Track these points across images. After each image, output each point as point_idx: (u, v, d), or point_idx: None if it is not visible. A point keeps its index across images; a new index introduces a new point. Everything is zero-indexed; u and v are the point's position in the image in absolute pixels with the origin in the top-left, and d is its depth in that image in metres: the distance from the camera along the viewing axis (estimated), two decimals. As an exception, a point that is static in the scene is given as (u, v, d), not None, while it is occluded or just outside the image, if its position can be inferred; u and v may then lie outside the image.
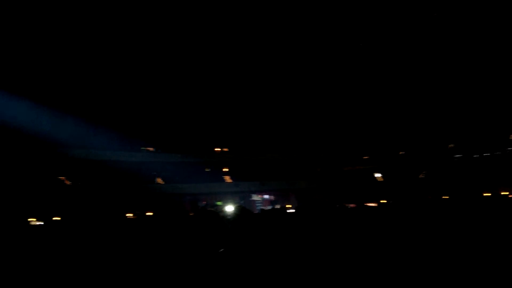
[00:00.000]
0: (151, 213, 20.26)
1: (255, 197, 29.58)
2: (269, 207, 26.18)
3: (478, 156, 27.71)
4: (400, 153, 29.69)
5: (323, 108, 28.24)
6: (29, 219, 17.60)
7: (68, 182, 23.36)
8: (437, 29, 23.98)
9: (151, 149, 27.34)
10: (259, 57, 25.79)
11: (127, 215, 19.60)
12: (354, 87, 27.65)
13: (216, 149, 28.89)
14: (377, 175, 29.23)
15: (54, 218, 17.29)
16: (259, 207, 27.75)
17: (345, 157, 29.01)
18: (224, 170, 28.64)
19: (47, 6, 20.40)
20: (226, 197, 27.36)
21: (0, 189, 19.13)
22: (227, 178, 28.32)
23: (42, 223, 15.78)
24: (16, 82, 21.48)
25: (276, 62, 26.13)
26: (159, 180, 26.34)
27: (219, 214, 4.25)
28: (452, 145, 29.02)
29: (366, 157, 29.62)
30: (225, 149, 29.04)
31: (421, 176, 28.34)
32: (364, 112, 28.23)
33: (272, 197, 29.59)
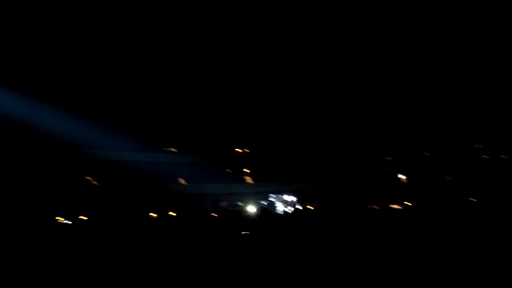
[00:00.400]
0: (173, 213, 20.64)
1: (276, 198, 29.53)
2: (291, 208, 26.12)
3: (506, 157, 26.76)
4: (425, 153, 29.00)
5: (344, 109, 27.92)
6: (57, 218, 18.24)
7: (94, 183, 24.01)
8: (460, 27, 23.33)
9: (174, 150, 27.74)
10: (281, 59, 25.73)
11: (150, 214, 20.01)
12: (375, 87, 27.22)
13: (237, 150, 29.02)
14: (401, 176, 28.65)
15: (80, 217, 17.85)
16: (280, 208, 27.69)
17: (367, 158, 28.56)
18: (245, 170, 28.73)
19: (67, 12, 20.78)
20: (247, 197, 27.43)
21: (29, 190, 19.90)
22: (248, 179, 28.39)
23: (70, 222, 16.32)
24: (43, 88, 22.13)
25: (297, 63, 26.02)
26: (182, 181, 26.69)
27: (241, 214, 4.29)
28: (479, 146, 28.13)
29: (389, 158, 29.08)
30: (246, 150, 29.13)
31: (447, 177, 27.60)
32: (386, 111, 27.73)
33: (294, 198, 29.46)
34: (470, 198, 16.66)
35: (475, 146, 28.17)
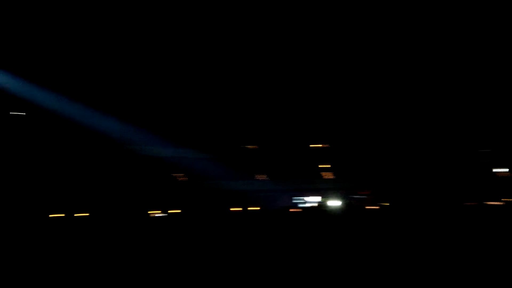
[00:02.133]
0: (255, 208, 21.27)
1: (358, 194, 28.68)
2: (371, 205, 25.14)
3: None
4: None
5: (435, 97, 25.86)
6: (149, 212, 19.95)
7: (183, 179, 25.77)
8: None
9: (252, 147, 28.41)
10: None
11: (231, 208, 20.79)
12: (468, 70, 24.79)
13: (312, 146, 28.67)
14: (498, 170, 25.86)
15: (171, 211, 19.30)
16: (358, 204, 26.79)
17: (460, 151, 26.27)
18: (323, 166, 28.37)
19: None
20: (326, 193, 27.08)
21: (125, 187, 22.02)
22: (327, 175, 28.02)
23: (164, 215, 17.71)
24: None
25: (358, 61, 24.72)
26: (262, 177, 27.35)
27: (326, 209, 4.32)
28: None
29: (486, 150, 26.43)
30: (325, 145, 28.68)
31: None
32: (478, 99, 25.15)
33: (374, 195, 28.31)
34: None
35: None
